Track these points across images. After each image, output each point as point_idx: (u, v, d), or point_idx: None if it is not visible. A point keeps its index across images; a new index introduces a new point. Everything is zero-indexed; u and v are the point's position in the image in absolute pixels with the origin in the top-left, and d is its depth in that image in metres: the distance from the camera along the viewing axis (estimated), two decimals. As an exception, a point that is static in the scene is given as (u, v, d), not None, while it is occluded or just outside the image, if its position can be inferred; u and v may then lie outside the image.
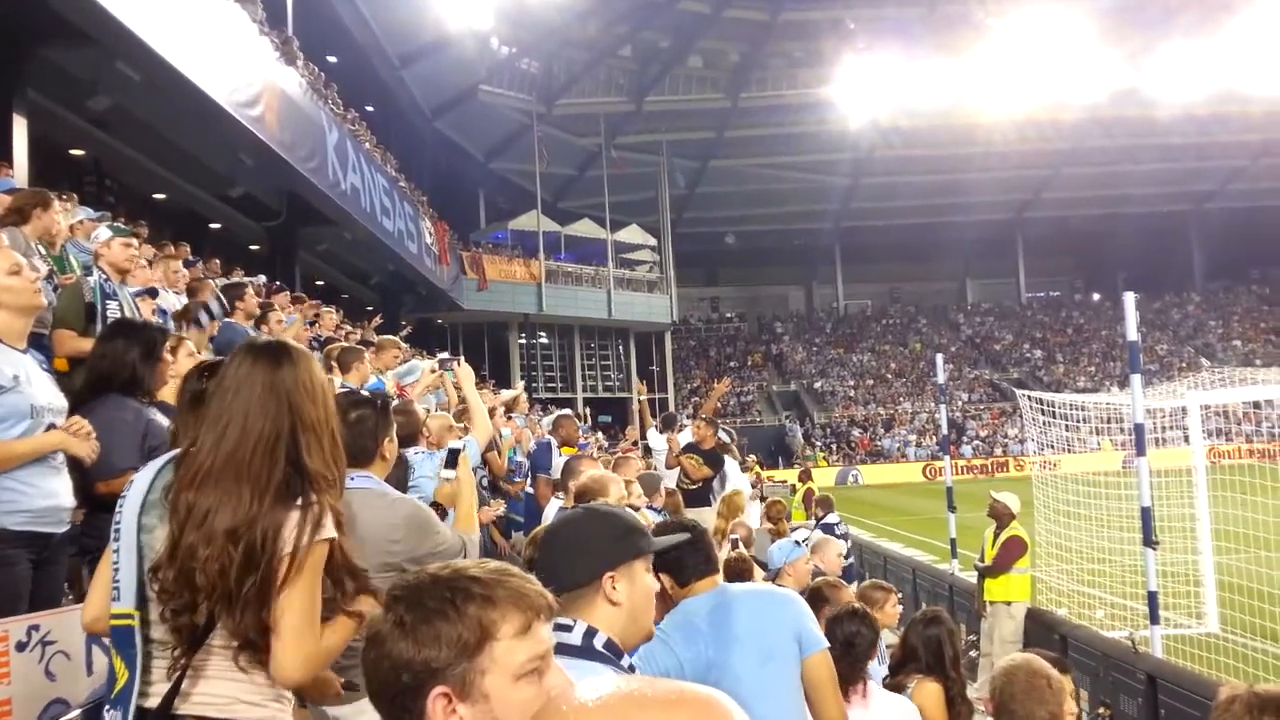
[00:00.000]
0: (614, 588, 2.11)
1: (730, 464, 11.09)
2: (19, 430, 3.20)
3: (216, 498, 2.11)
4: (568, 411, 11.34)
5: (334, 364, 6.91)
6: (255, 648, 2.10)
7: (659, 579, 3.40)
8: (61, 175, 16.23)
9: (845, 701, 3.70)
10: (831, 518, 12.38)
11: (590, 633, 2.06)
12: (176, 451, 2.28)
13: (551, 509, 6.07)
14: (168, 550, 2.11)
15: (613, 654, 2.06)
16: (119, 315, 4.58)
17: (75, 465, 3.41)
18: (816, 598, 5.16)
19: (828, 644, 3.31)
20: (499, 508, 6.85)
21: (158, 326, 4.13)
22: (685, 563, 3.26)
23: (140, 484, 2.25)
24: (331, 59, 26.67)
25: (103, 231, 5.02)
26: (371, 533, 2.98)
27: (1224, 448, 20.69)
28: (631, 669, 2.10)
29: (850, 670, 3.85)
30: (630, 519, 2.28)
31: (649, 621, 2.21)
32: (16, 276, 3.27)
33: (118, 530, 2.22)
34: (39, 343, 4.48)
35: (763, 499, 12.87)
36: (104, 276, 4.75)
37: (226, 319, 6.87)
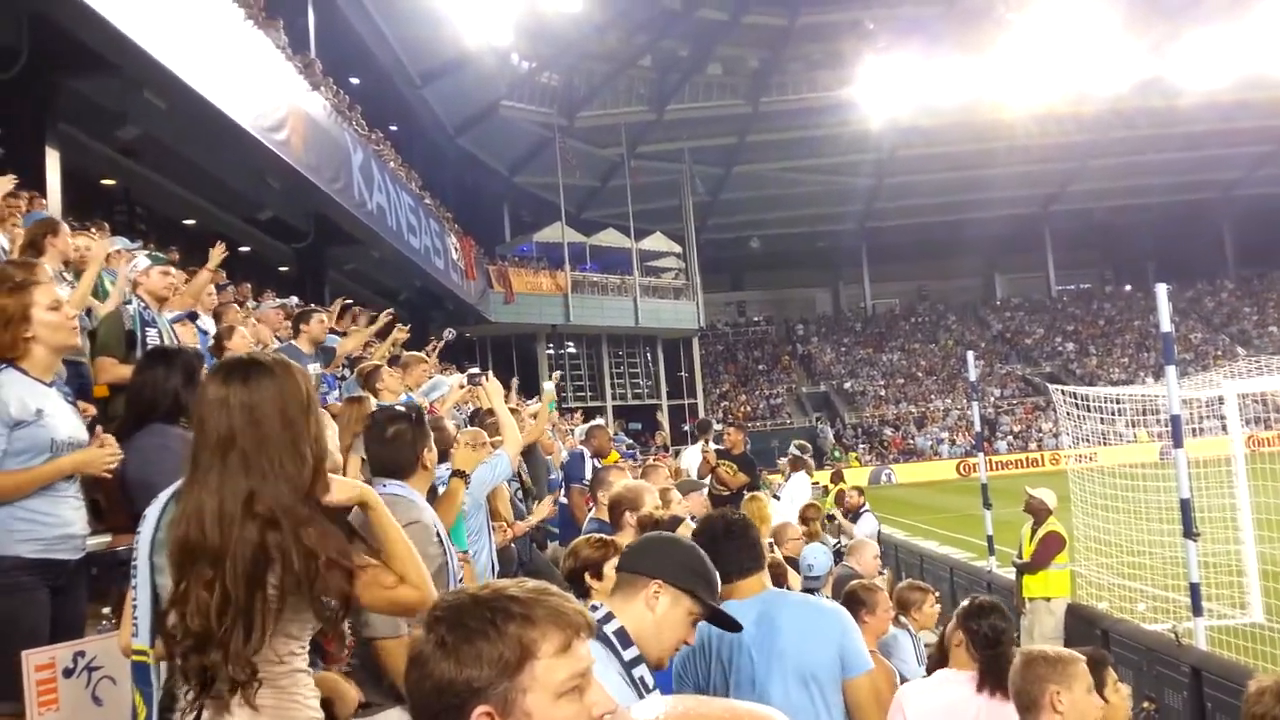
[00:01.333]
0: (655, 596, 2.28)
1: (801, 478, 11.14)
2: (37, 464, 3.24)
3: (189, 539, 2.06)
4: (600, 422, 11.40)
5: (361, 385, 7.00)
6: (245, 689, 2.04)
7: None
8: (94, 205, 16.47)
9: (1006, 701, 3.65)
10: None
11: (608, 617, 2.22)
12: (180, 483, 2.22)
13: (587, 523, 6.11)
14: (170, 596, 2.09)
15: (619, 641, 2.20)
16: (158, 342, 4.64)
17: (124, 496, 3.46)
18: (853, 600, 5.16)
19: (872, 665, 3.30)
20: (542, 513, 6.86)
21: (193, 351, 4.17)
22: (727, 559, 3.16)
23: (149, 522, 2.22)
24: (354, 80, 26.94)
25: (140, 260, 5.09)
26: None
27: (1263, 435, 20.40)
28: (636, 662, 2.20)
29: (1005, 668, 3.66)
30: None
31: (666, 650, 2.34)
32: (55, 313, 3.32)
33: (134, 567, 2.21)
34: (76, 370, 4.57)
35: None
36: (143, 304, 4.81)
37: (289, 342, 6.96)
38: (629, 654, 2.18)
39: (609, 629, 2.19)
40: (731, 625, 2.53)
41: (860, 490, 13.55)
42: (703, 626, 3.27)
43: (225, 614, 2.02)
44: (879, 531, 13.30)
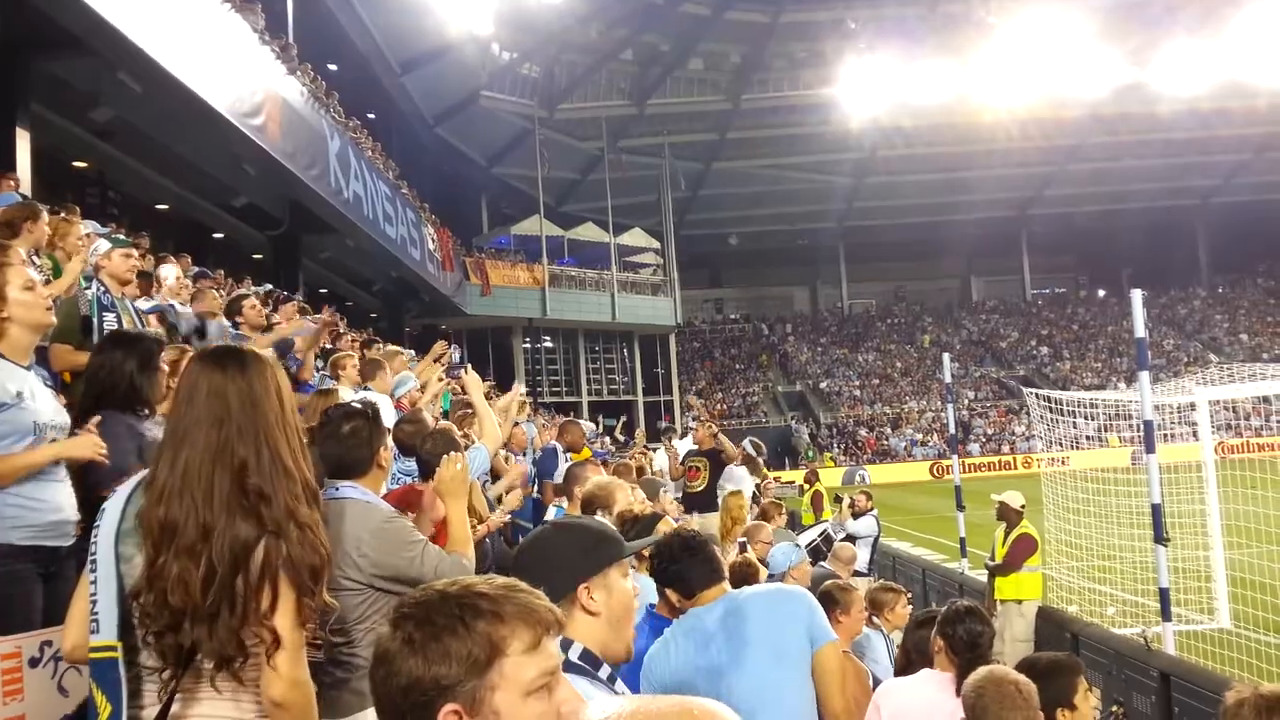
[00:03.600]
0: (591, 597, 2.11)
1: (739, 471, 11.01)
2: (21, 448, 3.19)
3: (177, 514, 2.08)
4: (573, 417, 11.33)
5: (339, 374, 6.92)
6: (232, 664, 2.05)
7: (665, 594, 3.41)
8: (66, 187, 16.26)
9: None
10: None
11: (565, 644, 2.04)
12: (144, 474, 2.24)
13: (551, 514, 6.06)
14: (144, 573, 2.09)
15: (589, 664, 2.06)
16: (116, 328, 4.56)
17: (77, 477, 3.39)
18: (827, 600, 5.13)
19: (835, 636, 3.34)
20: (511, 504, 6.79)
21: (154, 336, 4.09)
22: (689, 576, 3.28)
23: (113, 512, 2.21)
24: (332, 67, 26.73)
25: (101, 244, 5.00)
26: (343, 539, 2.99)
27: (1232, 442, 20.64)
28: (612, 679, 2.09)
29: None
30: (600, 528, 2.28)
31: (629, 631, 2.19)
32: (30, 292, 3.27)
33: (94, 560, 2.17)
34: (41, 355, 4.47)
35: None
36: (102, 289, 4.72)
37: (235, 332, 6.89)
38: (604, 673, 2.08)
39: (574, 655, 2.04)
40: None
41: (869, 495, 13.82)
42: (668, 635, 3.26)
43: (210, 589, 2.03)
44: (877, 537, 13.36)
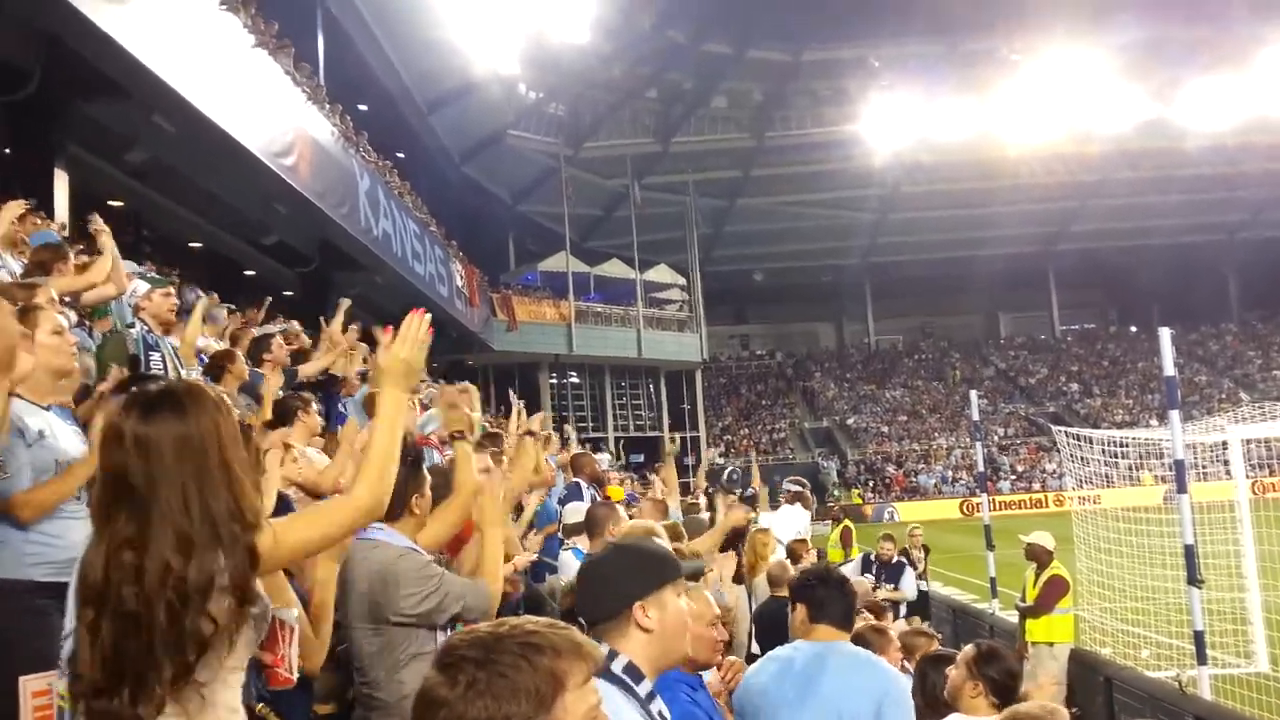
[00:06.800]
0: (646, 615, 2.18)
1: (796, 510, 10.81)
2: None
3: (89, 581, 1.93)
4: (581, 450, 11.23)
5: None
6: None
7: (796, 608, 3.56)
8: (100, 226, 16.45)
9: None
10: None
11: (611, 655, 2.12)
12: None
13: (568, 556, 6.04)
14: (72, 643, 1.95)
15: (631, 678, 2.12)
16: (162, 366, 4.63)
17: None
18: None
19: None
20: (535, 547, 6.76)
21: (163, 378, 4.14)
22: (823, 603, 3.43)
23: (77, 565, 2.07)
24: (362, 107, 27.11)
25: (140, 285, 5.09)
26: (349, 582, 3.04)
27: (1268, 480, 20.32)
28: (651, 695, 2.13)
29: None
30: (656, 549, 2.37)
31: (682, 645, 2.26)
32: (58, 337, 3.34)
33: (66, 611, 2.09)
34: (87, 392, 4.54)
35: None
36: (145, 329, 4.80)
37: (254, 369, 6.94)
38: (643, 689, 2.12)
39: (617, 668, 2.09)
40: None
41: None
42: (770, 656, 3.30)
43: (107, 664, 1.89)
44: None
